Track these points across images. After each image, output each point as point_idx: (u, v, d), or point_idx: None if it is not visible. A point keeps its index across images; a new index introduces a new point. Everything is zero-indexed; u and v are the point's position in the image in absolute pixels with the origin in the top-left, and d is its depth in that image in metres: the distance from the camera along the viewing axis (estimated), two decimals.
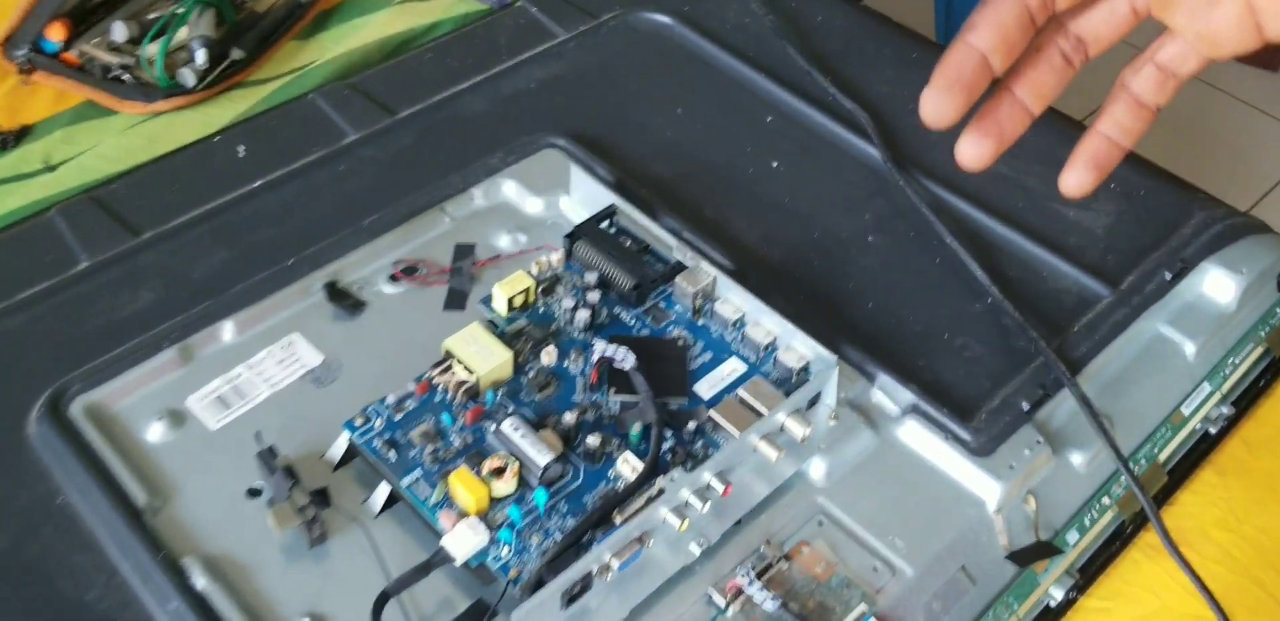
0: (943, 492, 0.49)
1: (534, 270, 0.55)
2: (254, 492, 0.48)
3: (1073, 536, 0.50)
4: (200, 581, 0.44)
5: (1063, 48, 0.31)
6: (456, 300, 0.57)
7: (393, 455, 0.47)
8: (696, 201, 0.62)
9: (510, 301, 0.53)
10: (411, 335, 0.55)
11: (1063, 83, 0.31)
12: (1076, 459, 0.52)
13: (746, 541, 0.47)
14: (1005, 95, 0.31)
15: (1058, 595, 0.49)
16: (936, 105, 0.28)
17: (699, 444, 0.49)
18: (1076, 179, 0.31)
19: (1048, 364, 0.53)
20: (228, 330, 0.55)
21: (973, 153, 0.30)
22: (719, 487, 0.45)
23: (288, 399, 0.52)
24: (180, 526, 0.47)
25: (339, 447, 0.49)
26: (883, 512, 0.48)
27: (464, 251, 0.60)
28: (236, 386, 0.53)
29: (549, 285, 0.55)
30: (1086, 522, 0.51)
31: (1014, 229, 0.60)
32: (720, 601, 0.44)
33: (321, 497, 0.48)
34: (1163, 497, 0.53)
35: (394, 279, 0.58)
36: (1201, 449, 0.56)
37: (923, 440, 0.51)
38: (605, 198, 0.58)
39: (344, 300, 0.57)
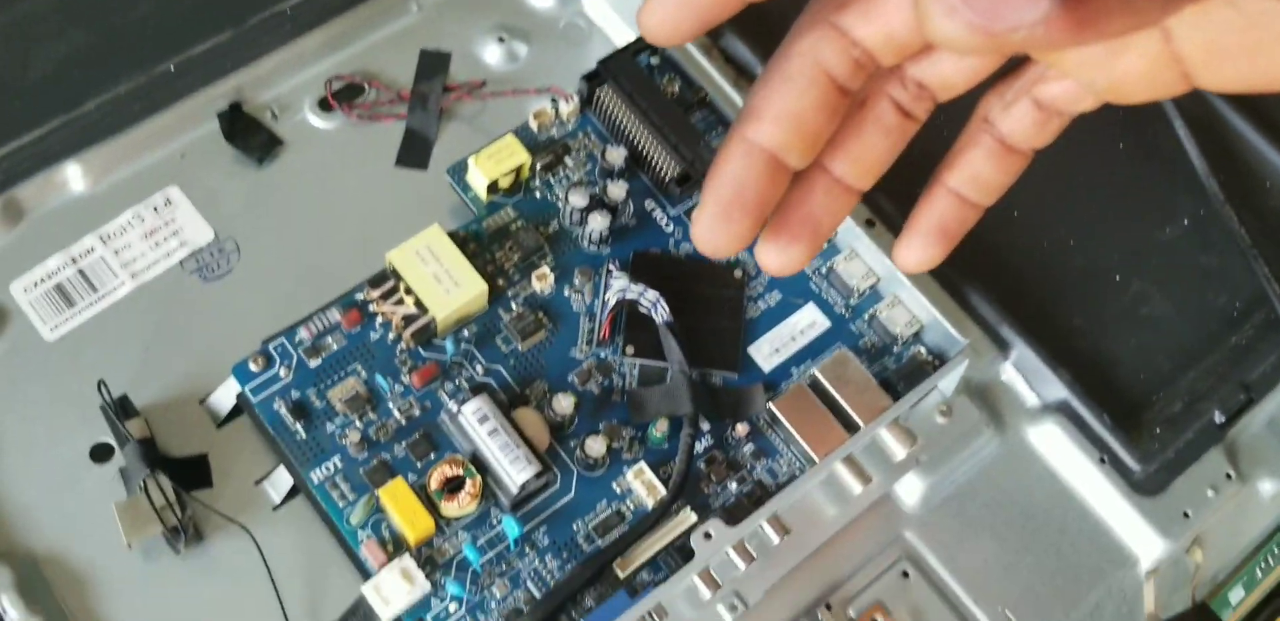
0: (1084, 541, 0.35)
1: (532, 125, 0.36)
2: (101, 453, 0.33)
3: (1236, 594, 0.36)
4: (11, 611, 0.30)
5: (897, 98, 0.22)
6: (415, 151, 0.39)
7: (300, 428, 0.32)
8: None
9: (494, 183, 0.35)
10: (350, 203, 0.37)
11: (900, 143, 0.22)
12: (1267, 487, 0.37)
13: (797, 594, 0.33)
14: (818, 177, 0.22)
15: None
16: (712, 236, 0.21)
17: (747, 448, 0.33)
18: (916, 256, 0.23)
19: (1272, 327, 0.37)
20: (73, 176, 0.37)
21: (779, 261, 0.22)
22: (773, 537, 0.31)
23: (157, 298, 0.36)
24: None
25: (225, 397, 0.34)
26: (995, 566, 0.34)
27: (433, 64, 0.40)
28: (84, 270, 0.36)
29: (552, 160, 0.36)
30: (1258, 574, 0.37)
31: (1245, 114, 0.40)
32: None
33: (194, 474, 0.33)
34: None
35: (325, 105, 0.39)
36: None
37: (1066, 456, 0.35)
38: None
39: (249, 136, 0.38)
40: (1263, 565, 0.37)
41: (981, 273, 0.37)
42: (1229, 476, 0.36)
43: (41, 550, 0.31)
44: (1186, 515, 0.35)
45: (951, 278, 0.36)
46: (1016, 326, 0.36)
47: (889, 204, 0.37)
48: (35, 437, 0.33)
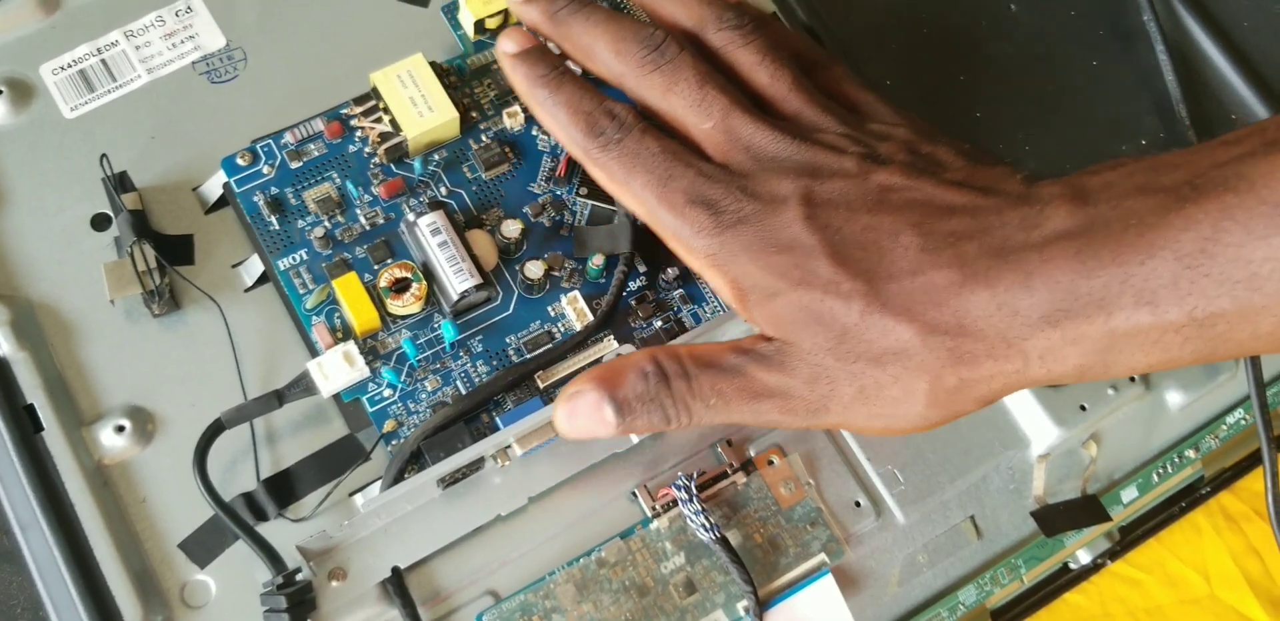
0: (980, 419, 0.39)
1: None
2: (100, 221, 0.39)
3: (1129, 494, 0.41)
4: (4, 344, 0.36)
5: None
6: None
7: (274, 221, 0.37)
8: None
9: (481, 21, 0.39)
10: (353, 30, 0.42)
11: None
12: (1174, 399, 0.41)
13: (705, 428, 0.38)
14: None
15: (1084, 558, 0.41)
16: None
17: (676, 293, 0.38)
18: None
19: None
20: None
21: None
22: None
23: (169, 93, 0.41)
24: None
25: (214, 187, 0.39)
26: None
27: None
28: (106, 60, 0.41)
29: None
30: (1154, 478, 0.41)
31: (1223, 46, 0.43)
32: (646, 507, 0.36)
33: (179, 251, 0.38)
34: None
35: None
36: None
37: None
38: None
39: None
40: (1160, 471, 0.41)
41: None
42: (1132, 379, 0.39)
43: (37, 297, 0.37)
44: (1083, 408, 0.39)
45: None
46: None
47: None
48: (44, 201, 0.39)
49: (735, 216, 0.30)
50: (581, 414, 0.30)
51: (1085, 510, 0.39)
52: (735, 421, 0.30)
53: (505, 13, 0.39)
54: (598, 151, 0.31)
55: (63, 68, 0.41)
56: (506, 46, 0.33)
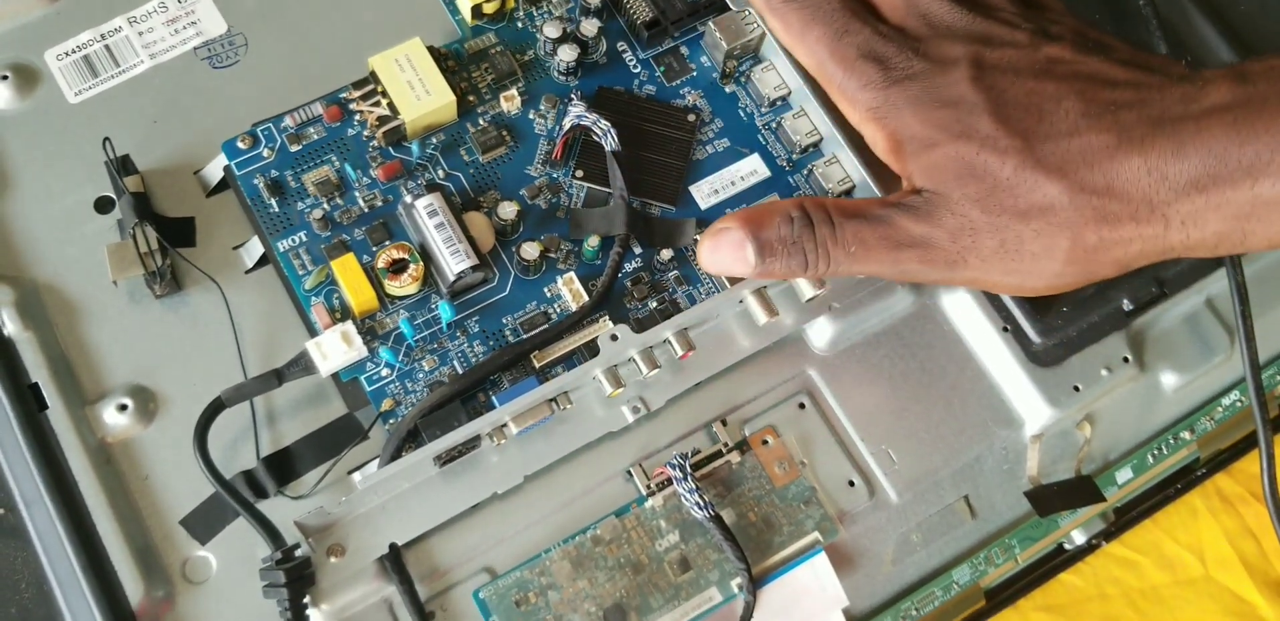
0: (974, 399, 0.39)
1: None
2: (103, 204, 0.40)
3: (1124, 475, 0.41)
4: (9, 324, 0.37)
5: None
6: None
7: (274, 203, 0.38)
8: None
9: (479, 6, 0.40)
10: (354, 15, 0.42)
11: None
12: (1169, 380, 0.41)
13: (699, 409, 0.38)
14: None
15: (1079, 539, 0.41)
16: None
17: (672, 274, 0.38)
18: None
19: None
20: None
21: None
22: (678, 350, 0.36)
23: (171, 78, 0.41)
24: (2, 233, 0.39)
25: (215, 170, 0.40)
26: (886, 410, 0.39)
27: None
28: (110, 46, 0.42)
29: None
30: (1149, 460, 0.41)
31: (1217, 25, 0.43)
32: (641, 486, 0.37)
33: (181, 233, 0.39)
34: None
35: None
36: None
37: (973, 323, 0.40)
38: None
39: None
40: (1155, 452, 0.41)
41: None
42: (1126, 360, 0.40)
43: (42, 278, 0.38)
44: (1077, 388, 0.39)
45: None
46: None
47: None
48: (49, 185, 0.39)
49: (904, 72, 0.31)
50: (724, 249, 0.32)
51: (1079, 490, 0.40)
52: (873, 271, 0.32)
53: (503, 0, 0.39)
54: (780, 2, 0.33)
55: (67, 53, 0.41)
56: None
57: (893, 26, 0.33)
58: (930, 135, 0.31)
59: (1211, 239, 0.30)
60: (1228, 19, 0.44)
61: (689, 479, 0.36)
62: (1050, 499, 0.39)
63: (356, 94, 0.38)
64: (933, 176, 0.31)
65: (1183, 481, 0.43)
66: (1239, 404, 0.42)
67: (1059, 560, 0.42)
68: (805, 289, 0.37)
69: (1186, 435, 0.42)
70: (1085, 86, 0.30)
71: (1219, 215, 0.29)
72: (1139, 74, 0.31)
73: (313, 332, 0.37)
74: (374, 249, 0.37)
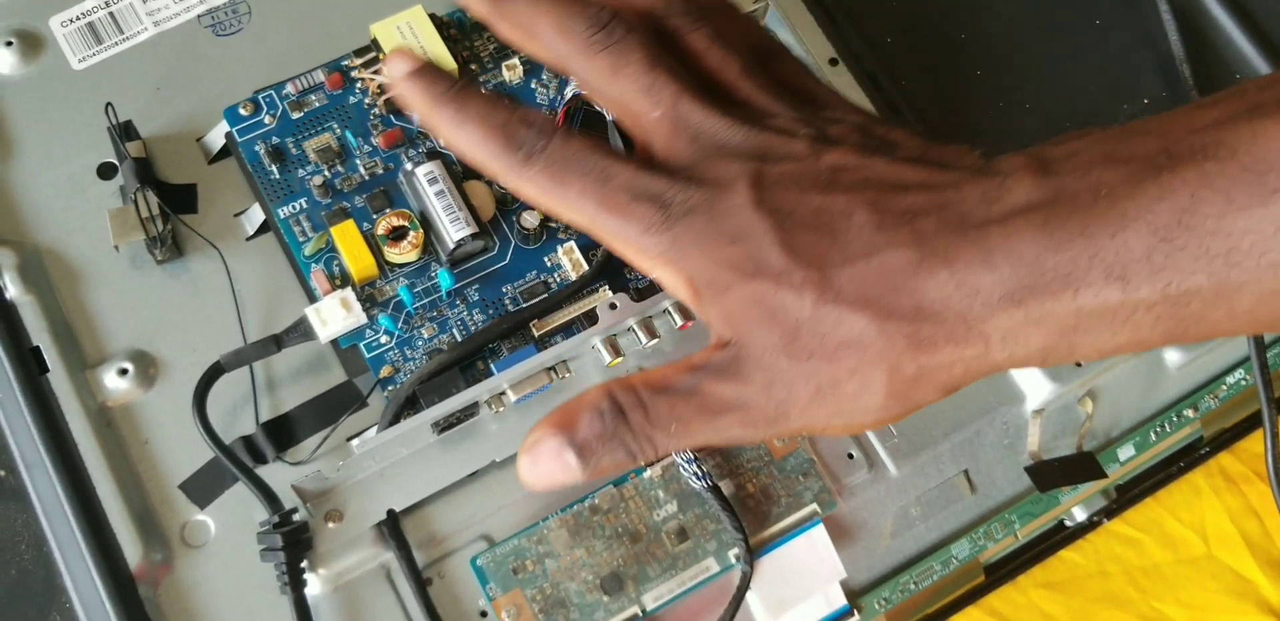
0: None
1: None
2: (106, 170, 0.39)
3: (1126, 452, 0.41)
4: (11, 288, 0.37)
5: None
6: None
7: (275, 170, 0.38)
8: None
9: None
10: None
11: None
12: (1173, 357, 0.41)
13: None
14: None
15: (1080, 516, 0.41)
16: None
17: None
18: None
19: None
20: None
21: None
22: (677, 320, 0.36)
23: (174, 45, 0.41)
24: (5, 198, 0.39)
25: (217, 137, 0.39)
26: None
27: None
28: (115, 13, 0.41)
29: None
30: (1152, 437, 0.41)
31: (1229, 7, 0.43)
32: None
33: (183, 199, 0.39)
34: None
35: None
36: None
37: None
38: None
39: None
40: (1158, 430, 0.41)
41: (931, 120, 0.40)
42: None
43: (44, 242, 0.38)
44: (1079, 364, 0.39)
45: (903, 119, 0.40)
46: None
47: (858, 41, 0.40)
48: (52, 150, 0.39)
49: (684, 207, 0.28)
50: (543, 462, 0.29)
51: (1080, 467, 0.39)
52: (700, 443, 0.29)
53: None
54: (520, 165, 0.29)
55: (71, 20, 0.41)
56: (398, 69, 0.30)
57: (660, 157, 0.29)
58: (723, 277, 0.27)
59: (1037, 354, 0.26)
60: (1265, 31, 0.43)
61: (687, 449, 0.36)
62: (1051, 474, 0.39)
63: (358, 61, 0.38)
64: (734, 325, 0.28)
65: (1186, 459, 0.42)
66: (1244, 382, 0.42)
67: (1059, 536, 0.41)
68: None
69: (1190, 413, 0.41)
70: (876, 195, 0.27)
71: (1041, 331, 0.26)
72: (931, 172, 0.27)
73: (312, 299, 0.37)
74: (374, 216, 0.37)
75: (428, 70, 0.30)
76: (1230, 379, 0.42)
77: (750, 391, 0.28)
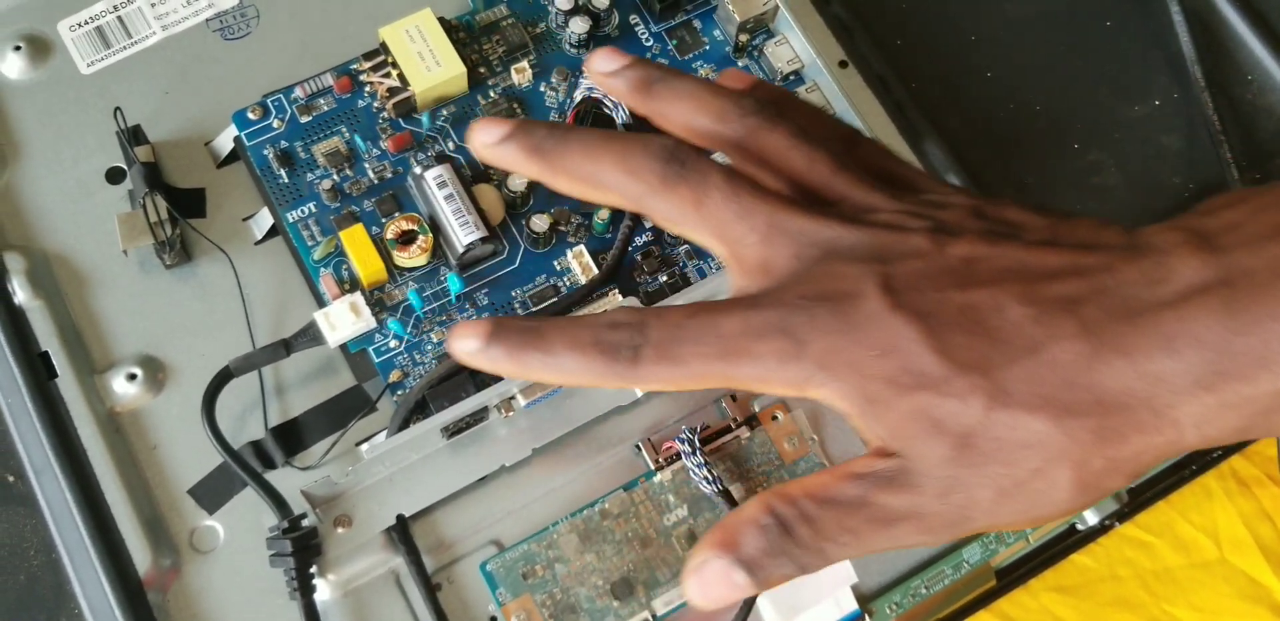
0: None
1: None
2: (115, 175, 0.39)
3: None
4: (20, 293, 0.37)
5: None
6: None
7: (284, 174, 0.37)
8: None
9: None
10: None
11: None
12: None
13: (707, 389, 0.38)
14: None
15: (1091, 519, 0.40)
16: None
17: (682, 248, 0.38)
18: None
19: None
20: None
21: None
22: None
23: (182, 49, 0.41)
24: (13, 203, 0.38)
25: (226, 141, 0.39)
26: None
27: None
28: (123, 17, 0.41)
29: None
30: None
31: (1240, 8, 0.42)
32: (650, 460, 0.36)
33: (192, 203, 0.39)
34: None
35: None
36: None
37: None
38: None
39: None
40: None
41: (941, 122, 0.40)
42: None
43: (53, 248, 0.38)
44: None
45: (913, 121, 0.39)
46: (964, 175, 0.39)
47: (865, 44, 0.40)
48: (61, 155, 0.39)
49: (811, 328, 0.25)
50: (713, 585, 0.27)
51: None
52: (874, 552, 0.27)
53: None
54: (631, 370, 0.26)
55: (80, 24, 0.41)
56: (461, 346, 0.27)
57: (767, 281, 0.27)
58: (880, 393, 0.25)
59: (1233, 434, 0.25)
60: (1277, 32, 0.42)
61: (698, 453, 0.35)
62: None
63: (367, 65, 0.38)
64: (899, 438, 0.26)
65: (1198, 463, 0.42)
66: None
67: (1071, 540, 0.41)
68: None
69: None
70: (1022, 286, 0.25)
71: (1236, 413, 0.24)
72: (1075, 255, 0.25)
73: (321, 303, 0.37)
74: (383, 220, 0.37)
75: (497, 322, 0.27)
76: None
77: (924, 500, 0.26)
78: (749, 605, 0.35)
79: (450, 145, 0.38)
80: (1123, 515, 0.41)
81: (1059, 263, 0.25)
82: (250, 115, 0.38)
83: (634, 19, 0.40)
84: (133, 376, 0.36)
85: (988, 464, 0.25)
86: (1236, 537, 0.42)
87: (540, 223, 0.37)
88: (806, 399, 0.26)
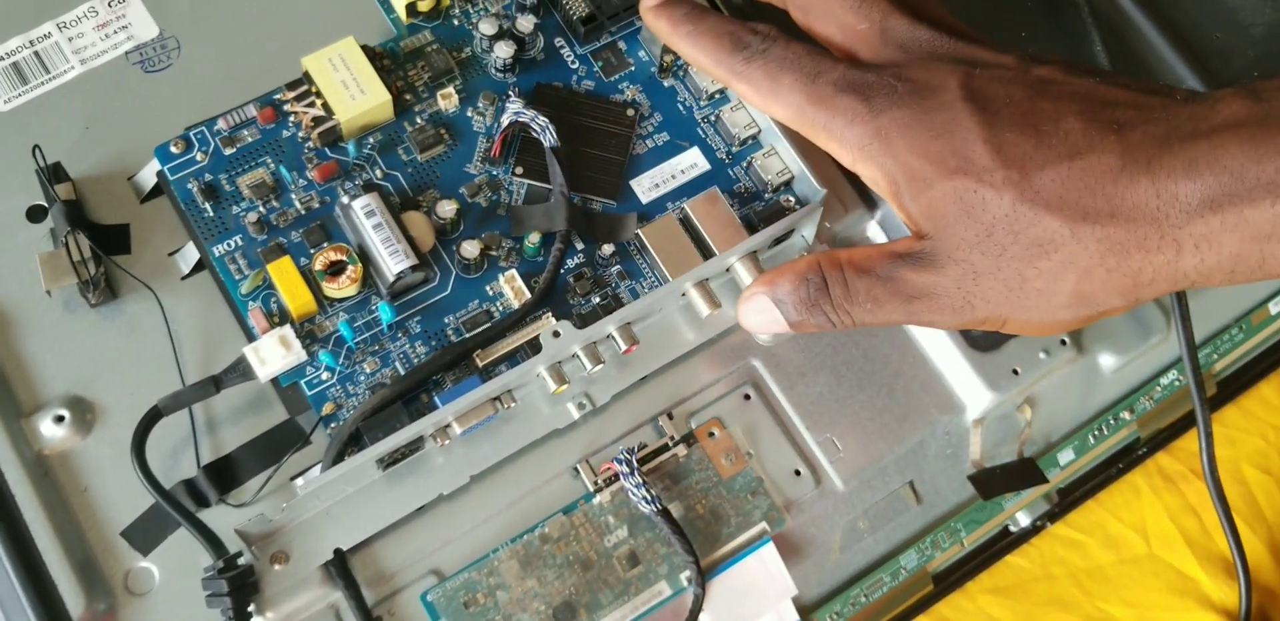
0: (915, 385, 0.39)
1: None
2: (36, 213, 0.38)
3: (1066, 456, 0.41)
4: None
5: None
6: None
7: (209, 207, 0.37)
8: None
9: (413, 4, 0.39)
10: (286, 15, 0.41)
11: None
12: (1107, 362, 0.41)
13: (645, 403, 0.38)
14: None
15: (1024, 521, 0.41)
16: None
17: (614, 269, 0.38)
18: None
19: None
20: None
21: None
22: (621, 345, 0.35)
23: (102, 83, 0.40)
24: None
25: (149, 176, 0.38)
26: (830, 399, 0.38)
27: None
28: (40, 52, 0.40)
29: None
30: (1090, 440, 0.41)
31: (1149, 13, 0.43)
32: (589, 482, 0.36)
33: (116, 240, 0.38)
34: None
35: None
36: (1271, 361, 0.44)
37: None
38: None
39: None
40: (1096, 433, 0.41)
41: None
42: (1063, 342, 0.39)
43: None
44: (1016, 372, 0.39)
45: None
46: None
47: None
48: None
49: (889, 99, 0.29)
50: (754, 314, 0.32)
51: (1022, 473, 0.40)
52: (890, 321, 0.31)
53: None
54: (742, 64, 0.31)
55: None
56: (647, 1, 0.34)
57: (868, 61, 0.31)
58: (925, 172, 0.29)
59: (1228, 262, 0.27)
60: (1159, 6, 0.43)
61: (636, 474, 0.35)
62: (994, 482, 0.39)
63: (290, 95, 0.37)
64: (933, 220, 0.29)
65: (1124, 461, 0.43)
66: (1177, 383, 0.42)
67: (1005, 542, 0.41)
68: (748, 282, 0.36)
69: (1126, 415, 0.42)
70: (1084, 106, 0.28)
71: (1236, 236, 0.26)
72: (1140, 95, 0.28)
73: (251, 338, 0.36)
74: (311, 251, 0.36)
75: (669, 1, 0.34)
76: (1164, 380, 0.42)
77: (943, 281, 0.29)
78: (693, 617, 0.35)
79: (378, 173, 0.37)
80: (1054, 515, 0.41)
81: (1124, 97, 0.28)
82: (173, 149, 0.37)
83: (559, 42, 0.39)
84: (60, 418, 0.35)
85: (1002, 254, 0.28)
86: (1164, 533, 0.43)
87: (471, 248, 0.36)
88: (855, 171, 0.31)
